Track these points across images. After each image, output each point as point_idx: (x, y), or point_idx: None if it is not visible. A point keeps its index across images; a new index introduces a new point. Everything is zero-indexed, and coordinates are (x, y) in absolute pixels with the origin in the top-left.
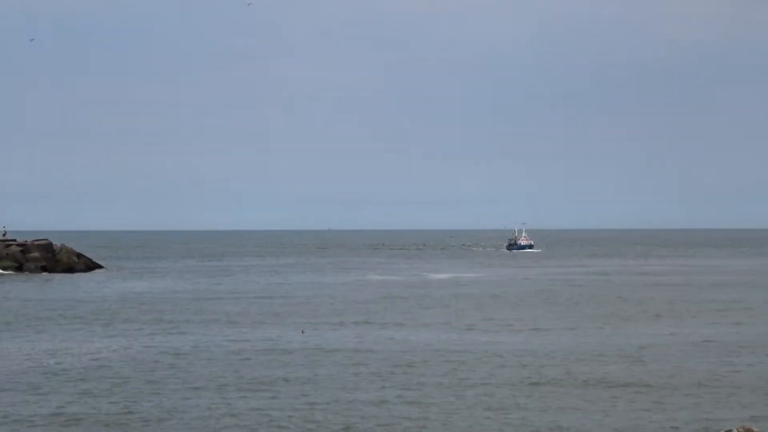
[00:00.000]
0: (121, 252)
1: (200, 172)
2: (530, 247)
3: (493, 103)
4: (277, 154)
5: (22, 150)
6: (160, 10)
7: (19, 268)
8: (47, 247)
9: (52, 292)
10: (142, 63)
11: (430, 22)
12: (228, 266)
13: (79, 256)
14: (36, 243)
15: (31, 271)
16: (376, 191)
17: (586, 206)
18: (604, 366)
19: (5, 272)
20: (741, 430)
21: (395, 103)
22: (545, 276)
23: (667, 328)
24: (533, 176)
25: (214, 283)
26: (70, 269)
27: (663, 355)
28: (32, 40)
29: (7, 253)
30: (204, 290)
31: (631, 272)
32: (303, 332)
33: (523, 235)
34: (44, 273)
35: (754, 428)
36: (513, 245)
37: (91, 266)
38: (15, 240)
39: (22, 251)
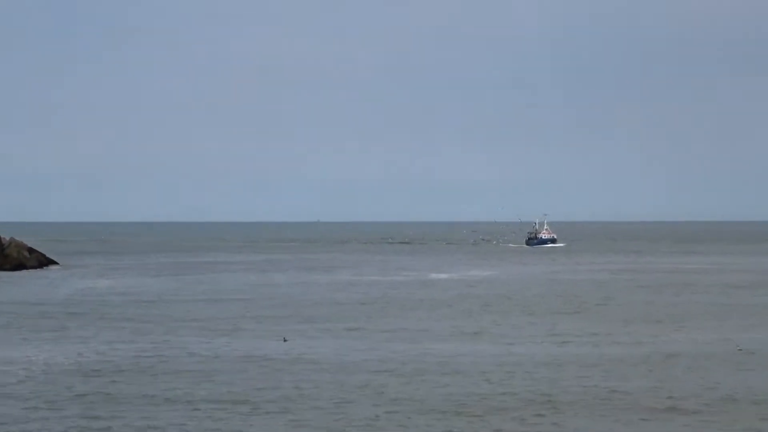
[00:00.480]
0: (78, 246)
1: (171, 155)
2: (553, 241)
3: (509, 78)
4: (262, 137)
5: None
6: None
7: None
8: None
9: None
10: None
11: None
12: (204, 263)
13: (31, 251)
14: None
15: None
16: (366, 179)
17: (612, 196)
18: (627, 381)
19: None
20: None
21: (392, 79)
22: (568, 275)
23: (700, 335)
24: (553, 162)
25: (187, 282)
26: (20, 266)
27: (695, 368)
28: None
29: None
30: (175, 290)
31: (663, 270)
32: (285, 340)
33: (545, 227)
34: None
35: None
36: (533, 239)
37: (44, 262)
38: None
39: None
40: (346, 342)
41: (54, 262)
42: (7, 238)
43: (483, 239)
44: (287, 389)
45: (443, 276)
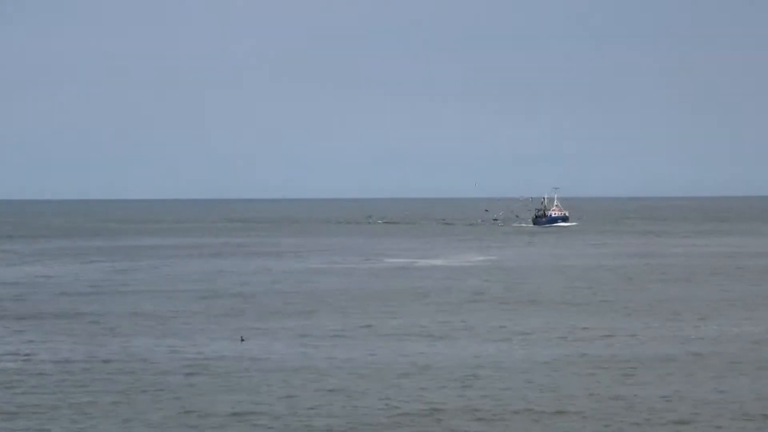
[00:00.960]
0: None
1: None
2: (564, 219)
3: (510, 34)
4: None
5: None
6: None
7: None
8: None
9: None
10: None
11: None
12: (142, 247)
13: None
14: None
15: None
16: (345, 148)
17: (633, 168)
18: (638, 388)
19: None
20: None
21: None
22: (577, 260)
23: (721, 329)
24: (565, 130)
25: (121, 270)
26: None
27: (715, 367)
28: None
29: None
30: (107, 280)
31: (687, 254)
32: (242, 340)
33: (555, 204)
34: None
35: None
36: (542, 217)
37: None
38: None
39: None
40: (308, 342)
41: None
42: None
43: (496, 219)
44: (240, 395)
45: (433, 263)
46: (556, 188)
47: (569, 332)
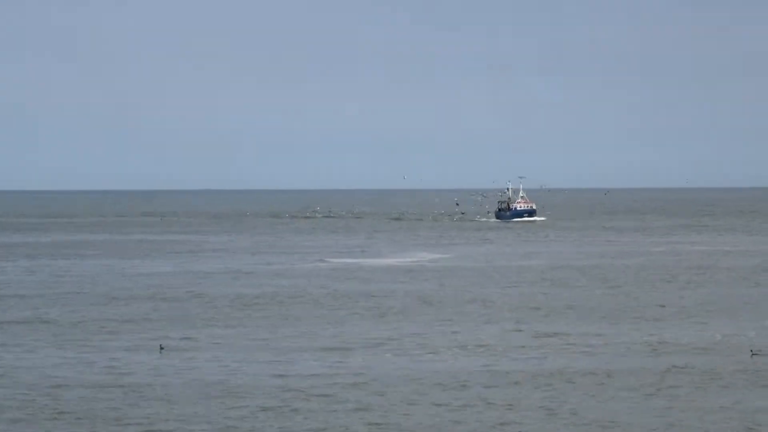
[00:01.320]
0: None
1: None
2: (530, 213)
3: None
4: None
5: None
6: None
7: None
8: None
9: None
10: None
11: None
12: (49, 243)
13: None
14: None
15: None
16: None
17: (602, 156)
18: (618, 404)
19: None
20: None
21: None
22: (539, 260)
23: (708, 333)
24: (529, 112)
25: (25, 270)
26: None
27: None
28: None
29: None
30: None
31: (665, 252)
32: (162, 349)
33: (521, 195)
34: None
35: None
36: (505, 210)
37: None
38: None
39: None
40: (227, 354)
41: None
42: None
43: (464, 213)
44: (155, 410)
45: (371, 262)
46: (521, 177)
47: (507, 342)
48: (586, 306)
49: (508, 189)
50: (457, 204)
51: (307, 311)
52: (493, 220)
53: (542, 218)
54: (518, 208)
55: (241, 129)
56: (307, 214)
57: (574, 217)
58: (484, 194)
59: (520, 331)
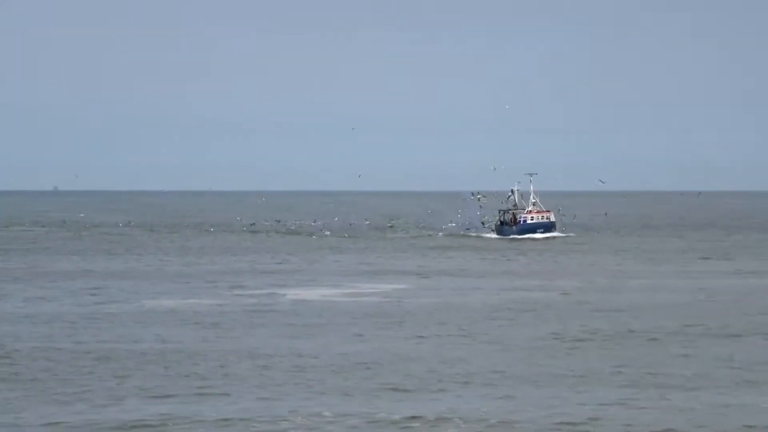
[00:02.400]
0: None
1: None
2: (546, 227)
3: None
4: None
5: None
6: None
7: None
8: None
9: None
10: None
11: None
12: None
13: None
14: None
15: None
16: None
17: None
18: None
19: None
20: None
21: None
22: (551, 311)
23: None
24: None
25: None
26: None
27: None
28: None
29: None
30: None
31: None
32: None
33: (531, 201)
34: None
35: None
36: (510, 224)
37: None
38: None
39: None
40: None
41: None
42: None
43: (468, 229)
44: None
45: (300, 295)
46: (532, 175)
47: None
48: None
49: (513, 192)
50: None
51: (188, 368)
52: (493, 236)
53: (560, 234)
54: (528, 220)
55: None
56: (208, 228)
57: (607, 232)
58: (477, 195)
59: None
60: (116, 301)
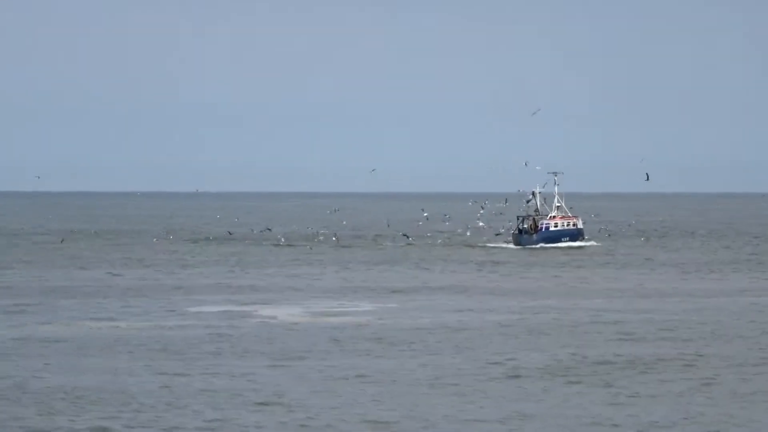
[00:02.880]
0: None
1: None
2: (573, 236)
3: None
4: None
5: None
6: None
7: None
8: None
9: None
10: None
11: None
12: None
13: None
14: None
15: None
16: None
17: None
18: None
19: None
20: None
21: None
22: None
23: None
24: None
25: None
26: None
27: None
28: None
29: None
30: None
31: None
32: None
33: (556, 205)
34: None
35: None
36: (531, 231)
37: None
38: None
39: None
40: None
41: None
42: None
43: (499, 233)
44: None
45: (268, 312)
46: (556, 174)
47: None
48: None
49: (534, 195)
50: (427, 217)
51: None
52: (511, 246)
53: (591, 243)
54: (551, 227)
55: None
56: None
57: (648, 242)
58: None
59: None
60: None
